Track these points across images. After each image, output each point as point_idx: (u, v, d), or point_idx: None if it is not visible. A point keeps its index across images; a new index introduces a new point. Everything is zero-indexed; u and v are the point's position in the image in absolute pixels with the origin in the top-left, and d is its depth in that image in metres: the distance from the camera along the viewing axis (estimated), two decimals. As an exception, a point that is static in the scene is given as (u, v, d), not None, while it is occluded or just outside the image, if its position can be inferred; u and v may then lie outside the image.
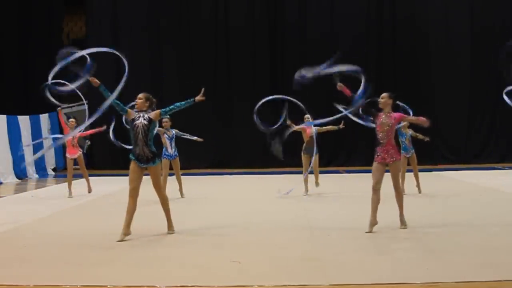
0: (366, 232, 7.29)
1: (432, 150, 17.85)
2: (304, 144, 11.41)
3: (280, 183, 12.96)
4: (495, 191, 11.67)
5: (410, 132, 11.05)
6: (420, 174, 11.37)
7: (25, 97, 19.09)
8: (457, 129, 18.90)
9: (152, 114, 7.33)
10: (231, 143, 19.36)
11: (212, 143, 17.91)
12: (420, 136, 11.19)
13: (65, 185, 13.54)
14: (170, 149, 11.05)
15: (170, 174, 11.17)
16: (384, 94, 7.66)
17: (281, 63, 19.41)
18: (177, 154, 11.16)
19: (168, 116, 11.11)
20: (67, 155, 11.94)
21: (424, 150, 11.91)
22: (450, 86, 18.90)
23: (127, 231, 7.17)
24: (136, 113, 7.33)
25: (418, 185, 11.20)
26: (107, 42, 19.68)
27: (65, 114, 21.22)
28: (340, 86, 7.52)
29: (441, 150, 19.00)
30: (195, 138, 11.53)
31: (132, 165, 7.27)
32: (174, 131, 11.18)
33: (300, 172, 11.87)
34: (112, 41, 19.66)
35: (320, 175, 11.86)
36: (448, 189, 11.87)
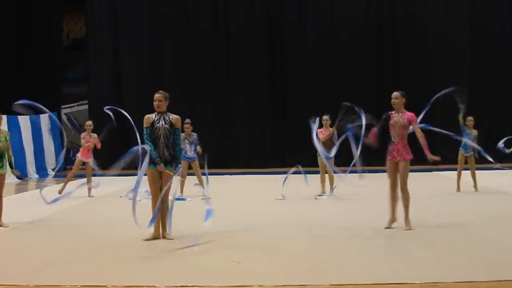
0: (385, 228, 7.43)
1: (432, 150, 17.77)
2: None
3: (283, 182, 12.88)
4: (495, 191, 11.68)
5: (475, 132, 11.52)
6: (419, 174, 11.37)
7: (25, 97, 19.00)
8: (457, 128, 18.84)
9: (174, 119, 7.11)
10: (231, 143, 19.33)
11: (212, 143, 17.91)
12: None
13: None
14: (189, 152, 11.31)
15: (189, 174, 11.45)
16: (396, 94, 7.47)
17: (281, 63, 19.43)
18: (196, 157, 11.38)
19: (189, 121, 11.26)
20: (79, 157, 11.85)
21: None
22: (449, 85, 18.85)
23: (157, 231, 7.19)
24: (155, 115, 7.11)
25: (475, 185, 11.50)
26: (107, 42, 19.71)
27: (65, 114, 21.32)
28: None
29: (441, 150, 18.95)
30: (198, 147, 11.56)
31: (150, 172, 7.02)
32: (195, 136, 11.41)
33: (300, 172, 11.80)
34: (112, 41, 19.67)
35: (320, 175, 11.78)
36: (448, 189, 11.86)
